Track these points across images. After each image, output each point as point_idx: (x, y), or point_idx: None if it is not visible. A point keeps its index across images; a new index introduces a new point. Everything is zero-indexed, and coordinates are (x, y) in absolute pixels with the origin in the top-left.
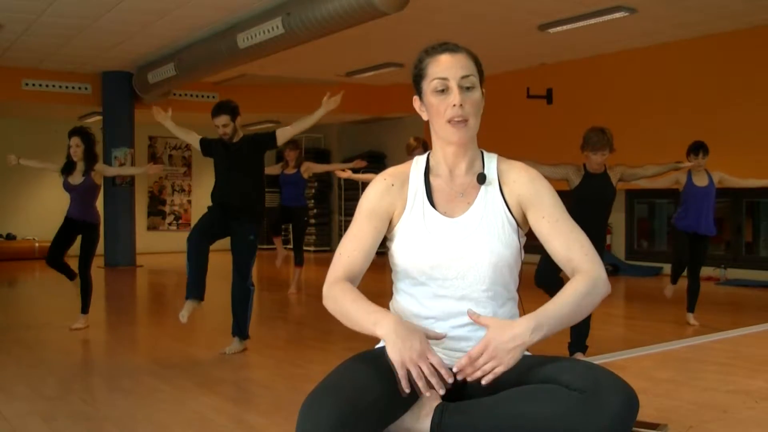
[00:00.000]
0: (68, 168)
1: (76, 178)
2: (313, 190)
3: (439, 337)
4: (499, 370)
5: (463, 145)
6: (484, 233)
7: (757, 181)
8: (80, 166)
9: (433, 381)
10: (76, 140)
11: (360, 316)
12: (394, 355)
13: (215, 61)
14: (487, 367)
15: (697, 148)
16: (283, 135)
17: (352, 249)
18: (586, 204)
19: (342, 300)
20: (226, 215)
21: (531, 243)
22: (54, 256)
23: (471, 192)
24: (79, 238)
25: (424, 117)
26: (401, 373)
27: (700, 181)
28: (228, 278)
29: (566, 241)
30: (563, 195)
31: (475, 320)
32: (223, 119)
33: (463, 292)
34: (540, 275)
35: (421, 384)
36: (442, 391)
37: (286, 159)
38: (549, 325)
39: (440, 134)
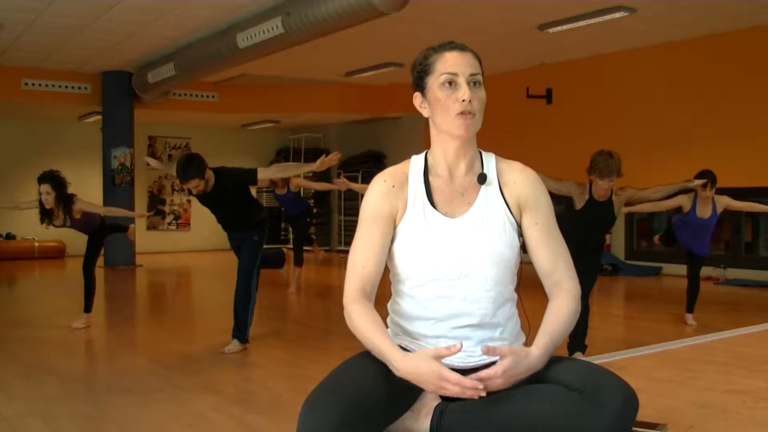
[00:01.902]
0: (46, 215)
1: (60, 222)
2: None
3: (452, 352)
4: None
5: (466, 141)
6: (486, 233)
7: (760, 206)
8: (57, 212)
9: (468, 395)
10: (46, 188)
11: (374, 349)
12: (426, 390)
13: (215, 61)
14: (492, 388)
15: (705, 180)
16: (263, 174)
17: (366, 258)
18: (583, 227)
19: (358, 325)
20: (236, 234)
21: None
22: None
23: (471, 192)
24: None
25: (425, 114)
26: (448, 394)
27: (704, 212)
28: (230, 278)
29: (553, 254)
30: (561, 199)
31: (491, 353)
32: (194, 183)
33: (466, 292)
34: None
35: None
36: (483, 393)
37: (273, 180)
38: (553, 350)
39: (445, 128)
